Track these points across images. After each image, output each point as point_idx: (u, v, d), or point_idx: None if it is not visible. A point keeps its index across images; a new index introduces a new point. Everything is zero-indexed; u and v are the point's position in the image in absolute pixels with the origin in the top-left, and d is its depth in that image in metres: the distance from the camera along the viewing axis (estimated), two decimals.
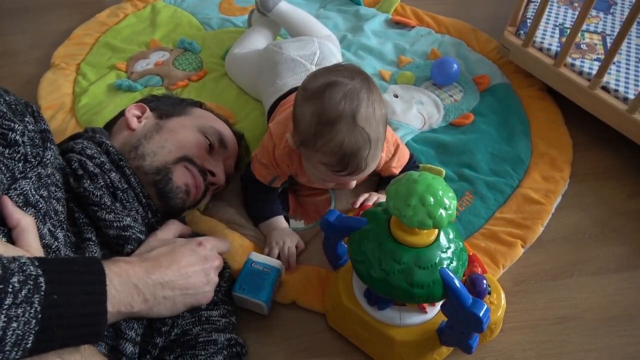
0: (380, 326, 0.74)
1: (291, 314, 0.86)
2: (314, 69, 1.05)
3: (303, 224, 0.98)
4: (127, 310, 0.57)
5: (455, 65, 1.22)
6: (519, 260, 0.92)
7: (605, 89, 1.06)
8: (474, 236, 0.94)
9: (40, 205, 0.59)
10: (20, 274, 0.46)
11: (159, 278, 0.61)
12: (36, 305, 0.46)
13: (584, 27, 1.22)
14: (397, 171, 0.93)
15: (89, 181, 0.71)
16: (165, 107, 0.92)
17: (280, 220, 0.94)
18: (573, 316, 0.85)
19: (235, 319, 0.80)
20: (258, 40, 1.28)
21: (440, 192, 0.61)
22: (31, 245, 0.54)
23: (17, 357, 0.45)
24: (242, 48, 1.26)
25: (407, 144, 1.09)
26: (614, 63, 1.10)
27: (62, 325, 0.48)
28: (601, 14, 1.28)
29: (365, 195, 0.95)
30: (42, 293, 0.47)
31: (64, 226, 0.64)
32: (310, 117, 0.74)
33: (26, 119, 0.61)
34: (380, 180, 1.00)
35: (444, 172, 1.04)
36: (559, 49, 1.14)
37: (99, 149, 0.77)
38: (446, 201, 0.61)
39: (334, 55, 1.14)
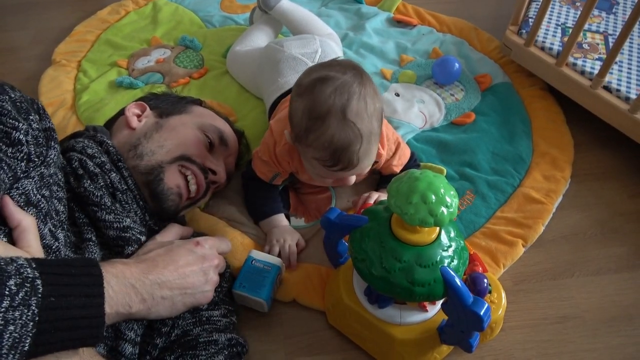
0: (380, 324, 0.74)
1: (291, 312, 0.86)
2: None
3: (304, 222, 0.98)
4: (125, 311, 0.56)
5: (456, 64, 1.22)
6: (519, 259, 0.92)
7: (607, 88, 1.06)
8: (474, 235, 0.94)
9: (42, 205, 0.58)
10: (17, 276, 0.46)
11: (155, 278, 0.61)
12: (33, 308, 0.45)
13: (586, 26, 1.22)
14: (398, 170, 0.93)
15: (89, 181, 0.71)
16: (165, 105, 0.92)
17: (281, 218, 0.94)
18: (573, 316, 0.85)
19: (236, 318, 0.79)
20: (259, 38, 1.28)
21: (442, 190, 0.61)
22: (32, 245, 0.54)
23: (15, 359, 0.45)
24: (243, 46, 1.26)
25: (408, 143, 1.09)
26: (615, 63, 1.10)
27: (60, 327, 0.47)
28: (603, 14, 1.28)
29: (366, 194, 0.95)
30: (40, 295, 0.46)
31: (65, 226, 0.63)
32: (302, 112, 0.74)
33: (31, 117, 0.60)
34: (381, 179, 1.00)
35: (445, 170, 1.04)
36: (560, 48, 1.14)
37: (99, 148, 0.77)
38: (448, 199, 0.60)
39: (336, 53, 1.14)
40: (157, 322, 0.69)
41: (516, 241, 0.92)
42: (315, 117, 0.72)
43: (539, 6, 1.17)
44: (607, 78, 1.05)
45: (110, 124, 0.90)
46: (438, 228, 0.66)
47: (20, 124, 0.57)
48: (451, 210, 0.61)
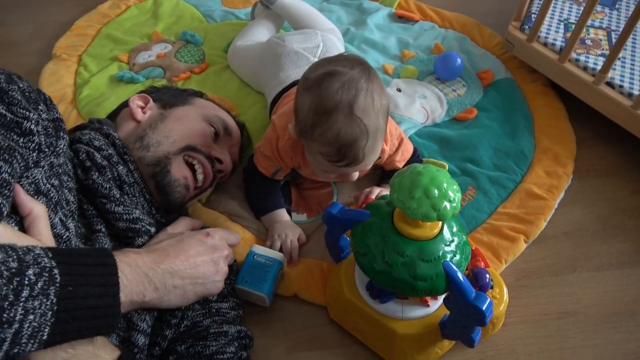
0: (382, 319, 0.74)
1: (293, 307, 0.86)
2: None
3: (305, 217, 0.98)
4: (139, 299, 0.57)
5: (458, 60, 1.21)
6: (521, 255, 0.92)
7: (609, 84, 1.05)
8: (476, 231, 0.94)
9: (52, 195, 0.58)
10: (36, 266, 0.46)
11: (167, 267, 0.61)
12: (52, 297, 0.46)
13: (589, 22, 1.21)
14: (400, 165, 0.93)
15: (97, 173, 0.71)
16: (168, 97, 0.92)
17: (283, 213, 0.94)
18: (575, 312, 0.85)
19: (242, 312, 0.80)
20: (261, 33, 1.27)
21: (445, 185, 0.60)
22: (43, 234, 0.54)
23: (33, 349, 0.45)
24: (244, 40, 1.25)
25: (410, 138, 1.08)
26: (618, 59, 1.09)
27: (77, 316, 0.48)
28: (606, 10, 1.28)
29: (368, 189, 0.95)
30: (58, 285, 0.46)
31: (75, 216, 0.63)
32: (309, 106, 0.74)
33: (40, 107, 0.60)
34: (383, 174, 1.00)
35: (447, 166, 1.03)
36: (563, 44, 1.13)
37: (106, 140, 0.77)
38: (450, 194, 0.60)
39: (337, 48, 1.14)
40: (166, 313, 0.69)
41: (518, 237, 0.92)
42: (322, 112, 0.72)
43: (541, 2, 1.16)
44: (610, 74, 1.04)
45: (113, 116, 0.90)
46: (441, 223, 0.66)
47: (31, 114, 0.57)
48: (454, 204, 0.61)
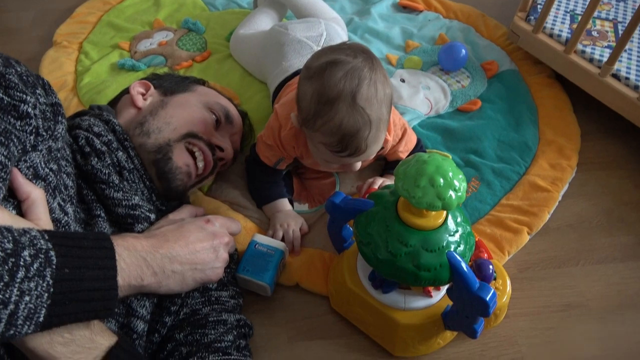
0: (384, 309, 0.74)
1: (294, 296, 0.85)
2: None
3: (307, 207, 0.97)
4: (137, 283, 0.56)
5: (463, 51, 1.20)
6: (524, 247, 0.91)
7: (615, 76, 1.04)
8: (479, 222, 0.93)
9: (50, 179, 0.58)
10: (31, 247, 0.45)
11: (166, 252, 0.61)
12: (48, 279, 0.45)
13: (595, 13, 1.20)
14: (403, 156, 0.92)
15: (96, 159, 0.70)
16: (169, 84, 0.91)
17: (285, 202, 0.93)
18: (577, 304, 0.84)
19: (242, 300, 0.79)
20: (263, 21, 1.26)
21: (450, 174, 0.60)
22: (41, 218, 0.53)
23: (29, 331, 0.44)
24: (247, 29, 1.24)
25: (413, 129, 1.07)
26: (625, 51, 1.08)
27: (74, 299, 0.47)
28: (613, 1, 1.26)
29: (371, 180, 0.94)
30: (54, 267, 0.46)
31: (74, 201, 0.63)
32: (311, 95, 0.73)
33: (37, 91, 0.59)
34: (386, 165, 0.99)
35: (450, 157, 1.03)
36: (569, 35, 1.12)
37: (106, 126, 0.76)
38: (456, 183, 0.60)
39: (341, 37, 1.13)
40: (166, 300, 0.69)
41: (521, 229, 0.91)
42: (325, 102, 0.71)
43: None
44: (616, 66, 1.03)
45: (114, 103, 0.89)
46: (445, 213, 0.65)
47: (28, 97, 0.56)
48: (459, 194, 0.60)
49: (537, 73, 1.22)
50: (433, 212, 0.64)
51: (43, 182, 0.57)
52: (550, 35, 1.15)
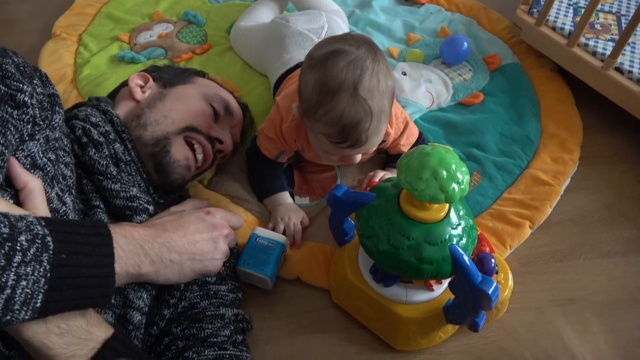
0: (385, 303, 0.73)
1: (295, 290, 0.85)
2: None
3: (308, 200, 0.97)
4: (135, 271, 0.56)
5: (465, 44, 1.19)
6: (526, 241, 0.91)
7: (618, 70, 1.04)
8: (481, 216, 0.93)
9: (48, 169, 0.57)
10: (28, 232, 0.45)
11: (164, 241, 0.60)
12: (45, 264, 0.45)
13: (599, 6, 1.19)
14: (405, 149, 0.92)
15: (94, 149, 0.70)
16: (168, 76, 0.90)
17: (286, 195, 0.93)
18: (579, 298, 0.84)
19: (242, 295, 0.79)
20: (264, 14, 1.25)
21: (454, 166, 0.59)
22: (38, 207, 0.53)
23: (27, 317, 0.44)
24: (248, 21, 1.23)
25: (415, 123, 1.07)
26: (628, 44, 1.07)
27: (71, 285, 0.47)
28: None
29: (372, 173, 0.93)
30: (51, 252, 0.46)
31: (72, 191, 0.62)
32: (313, 85, 0.72)
33: (34, 81, 0.59)
34: (387, 158, 0.98)
35: (452, 150, 1.02)
36: (572, 28, 1.11)
37: (103, 117, 0.75)
38: (459, 175, 0.59)
39: (342, 30, 1.12)
40: (164, 293, 0.69)
41: (523, 222, 0.91)
42: (326, 92, 0.70)
43: None
44: (619, 59, 1.03)
45: (113, 95, 0.89)
46: (447, 206, 0.65)
47: (25, 86, 0.56)
48: (462, 186, 0.59)
49: (540, 66, 1.21)
50: (435, 205, 0.64)
51: (41, 172, 0.56)
52: (553, 28, 1.14)
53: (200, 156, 0.82)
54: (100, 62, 1.21)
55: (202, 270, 0.65)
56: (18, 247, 0.44)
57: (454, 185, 0.59)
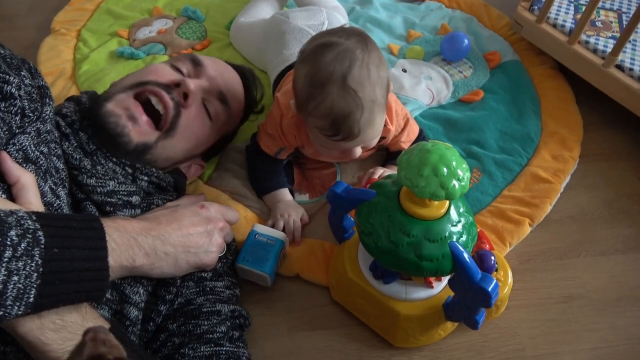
0: (385, 300, 0.73)
1: (294, 287, 0.85)
2: None
3: (308, 197, 0.96)
4: (129, 264, 0.55)
5: (465, 41, 1.19)
6: (525, 238, 0.91)
7: (619, 67, 1.03)
8: (481, 213, 0.93)
9: (41, 162, 0.57)
10: (18, 227, 0.45)
11: (158, 234, 0.60)
12: (37, 259, 0.45)
13: (600, 4, 1.19)
14: (406, 146, 0.92)
15: (66, 143, 0.68)
16: None
17: (285, 192, 0.93)
18: (579, 296, 0.84)
19: (239, 291, 0.79)
20: (264, 10, 1.24)
21: (454, 163, 0.59)
22: (32, 202, 0.53)
23: (20, 312, 0.44)
24: (248, 17, 1.23)
25: (414, 120, 1.06)
26: (629, 41, 1.07)
27: (65, 279, 0.47)
28: None
29: (371, 170, 0.93)
30: (42, 247, 0.46)
31: (66, 185, 0.62)
32: (303, 79, 0.72)
33: (22, 73, 0.58)
34: (388, 155, 0.98)
35: (452, 147, 1.02)
36: (573, 25, 1.11)
37: (76, 107, 0.74)
38: (459, 172, 0.59)
39: None
40: (161, 289, 0.68)
41: (523, 220, 0.91)
42: (316, 84, 0.70)
43: None
44: (620, 57, 1.02)
45: None
46: (447, 203, 0.65)
47: (12, 78, 0.56)
48: (463, 183, 0.59)
49: (540, 64, 1.21)
50: (436, 202, 0.63)
51: (34, 166, 0.56)
52: (554, 26, 1.13)
53: (159, 106, 0.74)
54: (99, 58, 1.21)
55: (197, 263, 0.65)
56: (8, 242, 0.43)
57: (455, 182, 0.59)
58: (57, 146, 0.63)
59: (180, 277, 0.69)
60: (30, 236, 0.45)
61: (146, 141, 0.73)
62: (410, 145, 0.92)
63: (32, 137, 0.57)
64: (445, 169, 0.58)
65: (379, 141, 0.85)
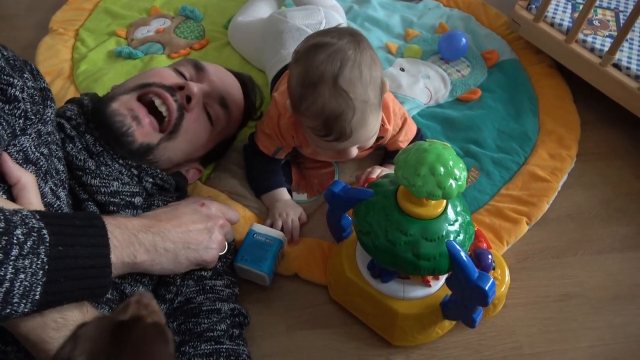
0: (383, 299, 0.74)
1: (293, 286, 0.85)
2: None
3: (306, 197, 0.97)
4: (130, 260, 0.56)
5: (463, 40, 1.19)
6: (522, 237, 0.91)
7: (616, 66, 1.04)
8: (478, 212, 0.93)
9: (41, 163, 0.57)
10: (24, 226, 0.45)
11: (158, 230, 0.60)
12: (42, 256, 0.45)
13: (597, 2, 1.19)
14: (403, 146, 0.92)
15: (71, 145, 0.69)
16: None
17: (283, 192, 0.93)
18: (576, 294, 0.84)
19: (238, 290, 0.79)
20: (262, 9, 1.24)
21: (451, 163, 0.59)
22: (32, 203, 0.53)
23: (26, 309, 0.44)
24: (245, 16, 1.23)
25: (412, 119, 1.06)
26: (626, 40, 1.07)
27: (69, 276, 0.47)
28: None
29: (369, 169, 0.93)
30: (47, 244, 0.46)
31: (66, 186, 0.62)
32: (296, 79, 0.72)
33: (25, 75, 0.59)
34: (386, 155, 0.98)
35: (450, 147, 1.02)
36: (570, 24, 1.11)
37: (80, 110, 0.74)
38: (456, 172, 0.59)
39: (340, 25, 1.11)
40: (161, 288, 0.69)
41: (520, 219, 0.91)
42: (307, 85, 0.71)
43: None
44: (617, 55, 1.03)
45: None
46: (445, 202, 0.65)
47: (16, 81, 0.56)
48: (460, 183, 0.60)
49: (538, 62, 1.21)
50: (433, 201, 0.64)
51: (34, 167, 0.56)
52: (552, 24, 1.14)
53: (163, 108, 0.76)
54: (97, 58, 1.21)
55: (198, 259, 0.65)
56: (15, 241, 0.44)
57: (452, 181, 0.59)
58: (58, 148, 0.63)
59: (180, 276, 0.70)
60: (35, 234, 0.46)
61: (149, 142, 0.75)
62: (408, 144, 0.93)
63: (32, 138, 0.57)
64: (442, 169, 0.59)
65: (377, 140, 0.85)
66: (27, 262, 0.44)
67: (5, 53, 0.58)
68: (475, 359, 0.77)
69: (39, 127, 0.59)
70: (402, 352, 0.78)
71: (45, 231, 0.46)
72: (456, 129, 1.07)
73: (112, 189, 0.68)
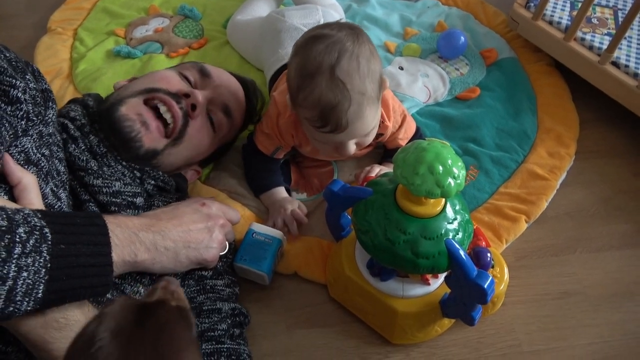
0: (382, 297, 0.74)
1: (292, 285, 0.85)
2: None
3: (305, 196, 0.97)
4: (131, 259, 0.56)
5: (462, 38, 1.19)
6: (521, 235, 0.91)
7: (615, 64, 1.04)
8: (477, 210, 0.93)
9: (42, 164, 0.58)
10: (26, 225, 0.46)
11: (158, 229, 0.61)
12: (45, 255, 0.46)
13: (596, 0, 1.19)
14: (403, 143, 0.92)
15: (73, 145, 0.69)
16: None
17: (282, 190, 0.93)
18: (574, 292, 0.85)
19: (239, 289, 0.79)
20: (261, 8, 1.24)
21: (450, 161, 0.59)
22: (33, 203, 0.53)
23: (29, 307, 0.45)
24: (244, 15, 1.23)
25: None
26: (625, 38, 1.07)
27: (71, 275, 0.48)
28: None
29: (368, 167, 0.93)
30: (50, 243, 0.46)
31: (66, 187, 0.63)
32: (294, 71, 0.73)
33: (27, 77, 0.59)
34: (385, 153, 0.98)
35: (448, 145, 1.02)
36: (569, 22, 1.11)
37: (84, 111, 0.75)
38: (455, 170, 0.59)
39: None
40: None
41: (519, 217, 0.91)
42: (305, 75, 0.71)
43: None
44: (615, 53, 1.03)
45: None
46: (443, 200, 0.65)
47: (18, 82, 0.56)
48: (458, 181, 0.60)
49: (537, 61, 1.21)
50: (432, 200, 0.64)
51: (35, 168, 0.57)
52: (550, 23, 1.14)
53: (167, 115, 0.76)
54: (96, 57, 1.21)
55: (198, 258, 0.65)
56: (17, 239, 0.44)
57: (450, 180, 0.59)
58: (59, 149, 0.64)
59: (180, 275, 0.70)
60: (37, 233, 0.46)
61: (155, 147, 0.76)
62: (408, 142, 0.93)
63: (34, 139, 0.57)
64: (440, 167, 0.59)
65: (376, 138, 0.85)
66: (29, 260, 0.45)
67: (7, 54, 0.58)
68: (474, 357, 0.78)
69: (40, 128, 0.59)
70: (402, 351, 0.78)
71: (47, 230, 0.47)
72: (455, 127, 1.07)
73: (114, 189, 0.69)
